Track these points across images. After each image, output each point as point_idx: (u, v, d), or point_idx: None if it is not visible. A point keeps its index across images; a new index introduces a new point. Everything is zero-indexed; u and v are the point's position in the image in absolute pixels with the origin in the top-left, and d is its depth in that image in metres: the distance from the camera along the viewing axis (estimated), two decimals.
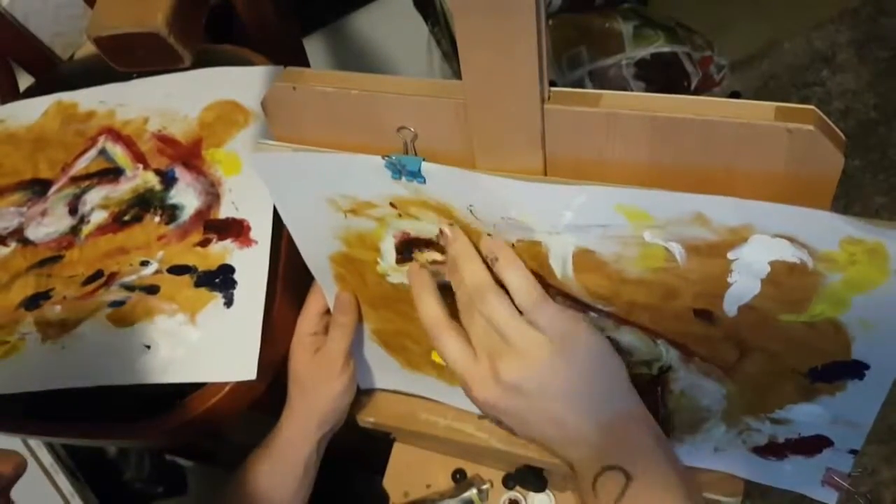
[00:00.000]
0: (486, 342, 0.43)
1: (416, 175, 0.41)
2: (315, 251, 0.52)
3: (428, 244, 0.47)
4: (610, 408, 0.43)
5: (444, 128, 0.40)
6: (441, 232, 0.45)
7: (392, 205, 0.45)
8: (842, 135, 0.34)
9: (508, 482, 0.67)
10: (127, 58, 0.41)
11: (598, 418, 0.43)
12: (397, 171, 0.42)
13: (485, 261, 0.44)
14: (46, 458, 0.88)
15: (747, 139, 0.35)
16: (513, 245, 0.43)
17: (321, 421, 0.58)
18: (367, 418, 0.64)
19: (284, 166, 0.45)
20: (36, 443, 0.87)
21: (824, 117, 0.34)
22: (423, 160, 0.41)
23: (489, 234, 0.43)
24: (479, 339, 0.44)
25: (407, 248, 0.48)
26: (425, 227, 0.46)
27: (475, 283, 0.43)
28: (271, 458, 0.58)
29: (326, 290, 0.56)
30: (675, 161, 0.37)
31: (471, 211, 0.42)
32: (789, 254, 0.37)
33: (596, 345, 0.44)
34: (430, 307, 0.46)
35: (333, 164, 0.44)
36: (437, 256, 0.48)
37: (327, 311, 0.58)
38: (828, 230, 0.35)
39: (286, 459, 0.58)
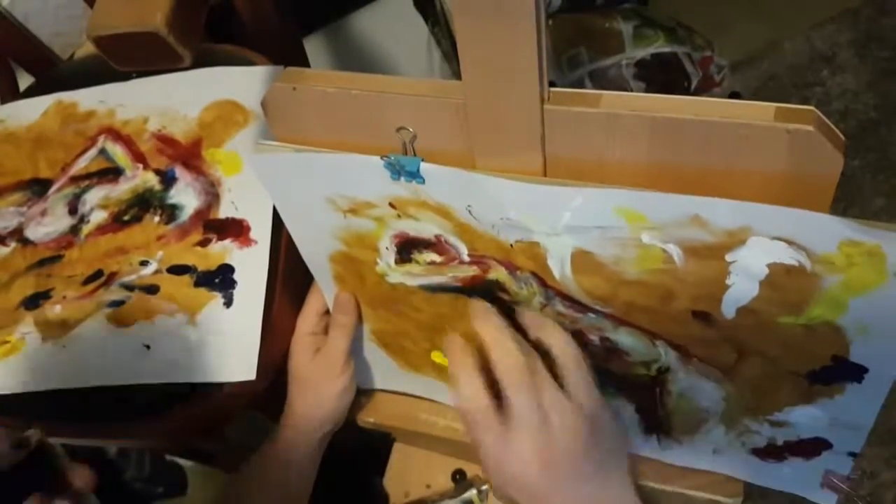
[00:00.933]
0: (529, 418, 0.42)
1: (414, 175, 0.41)
2: (315, 251, 0.52)
3: (427, 245, 0.47)
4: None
5: (443, 128, 0.40)
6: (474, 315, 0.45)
7: (391, 205, 0.45)
8: (841, 135, 0.34)
9: None
10: (127, 58, 0.41)
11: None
12: (396, 171, 0.42)
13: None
14: None
15: (747, 140, 0.35)
16: (511, 246, 0.43)
17: (321, 421, 0.58)
18: (367, 418, 0.64)
19: (284, 166, 0.45)
20: None
21: (824, 118, 0.34)
22: (422, 160, 0.41)
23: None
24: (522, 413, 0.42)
25: (406, 249, 0.48)
26: (424, 227, 0.46)
27: (521, 360, 0.42)
28: (272, 458, 0.58)
29: (326, 290, 0.56)
30: (675, 161, 0.37)
31: (469, 211, 0.42)
32: (787, 256, 0.36)
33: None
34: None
35: (333, 165, 0.44)
36: (436, 258, 0.48)
37: (327, 312, 0.58)
38: (826, 232, 0.35)
39: (286, 460, 0.58)
